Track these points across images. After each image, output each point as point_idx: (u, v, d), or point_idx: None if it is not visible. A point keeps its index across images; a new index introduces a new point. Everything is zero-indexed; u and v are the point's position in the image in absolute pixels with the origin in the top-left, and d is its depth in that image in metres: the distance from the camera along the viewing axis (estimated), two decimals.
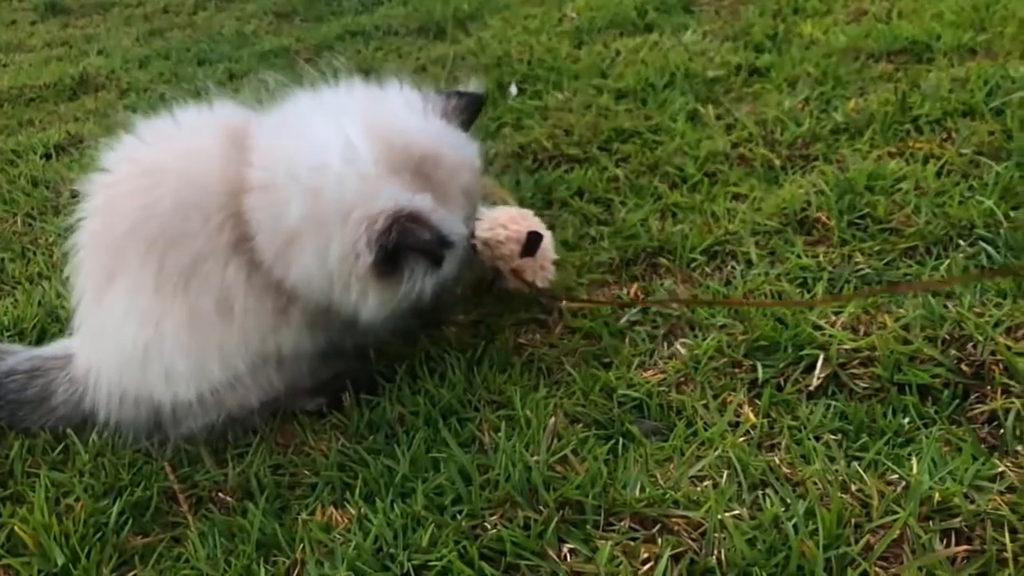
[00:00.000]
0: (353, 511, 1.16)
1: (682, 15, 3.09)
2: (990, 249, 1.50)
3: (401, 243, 1.17)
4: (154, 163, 1.31)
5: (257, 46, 3.70)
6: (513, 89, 2.59)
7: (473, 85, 1.38)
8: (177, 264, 1.26)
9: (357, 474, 1.24)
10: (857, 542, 0.99)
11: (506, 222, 1.51)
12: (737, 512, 1.05)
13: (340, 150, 1.19)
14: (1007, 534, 0.97)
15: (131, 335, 1.30)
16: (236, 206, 1.25)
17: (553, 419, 1.25)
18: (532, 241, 1.48)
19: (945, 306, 1.37)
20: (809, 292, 1.50)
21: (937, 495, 1.03)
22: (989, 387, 1.23)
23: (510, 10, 3.53)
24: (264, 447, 1.36)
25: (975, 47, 2.34)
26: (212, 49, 3.75)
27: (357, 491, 1.20)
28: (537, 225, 1.54)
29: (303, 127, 1.25)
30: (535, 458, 1.17)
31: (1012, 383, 1.22)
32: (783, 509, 1.04)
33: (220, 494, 1.30)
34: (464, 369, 1.45)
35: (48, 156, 2.67)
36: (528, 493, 1.12)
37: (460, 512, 1.11)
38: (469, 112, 1.30)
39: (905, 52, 2.39)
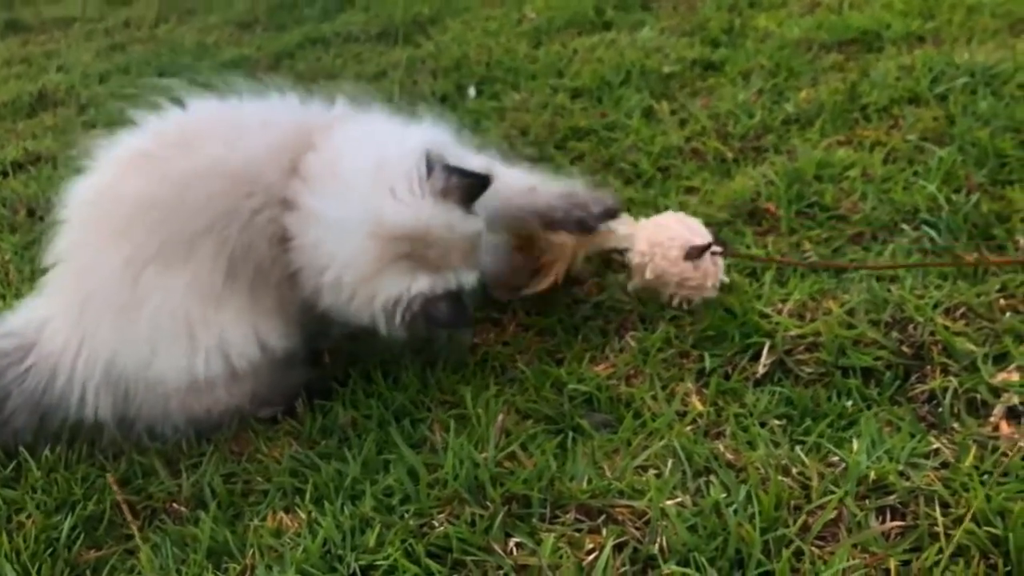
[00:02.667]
0: (303, 515, 1.17)
1: (640, 12, 3.11)
2: (932, 233, 1.53)
3: (431, 324, 1.29)
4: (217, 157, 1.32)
5: (217, 57, 3.68)
6: (471, 91, 2.60)
7: (480, 164, 1.38)
8: (246, 264, 1.31)
9: (308, 479, 1.24)
10: (795, 523, 1.00)
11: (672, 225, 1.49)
12: (680, 500, 1.07)
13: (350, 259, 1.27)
14: (938, 509, 0.99)
15: (183, 317, 1.30)
16: (279, 206, 1.30)
17: (501, 416, 1.26)
18: (701, 249, 1.44)
19: (888, 290, 1.40)
20: (758, 281, 1.51)
21: (873, 474, 1.05)
22: (929, 367, 1.25)
23: (470, 12, 3.54)
24: (218, 456, 1.36)
25: (923, 35, 2.38)
26: (172, 62, 3.73)
27: (308, 495, 1.20)
28: (703, 232, 1.49)
29: (325, 228, 1.28)
30: (483, 455, 1.18)
31: (950, 362, 1.24)
32: (724, 495, 1.05)
33: (174, 504, 1.30)
34: (418, 371, 1.45)
35: (5, 174, 2.65)
36: (475, 490, 1.13)
37: (408, 511, 1.12)
38: (468, 192, 1.29)
39: (856, 42, 2.42)
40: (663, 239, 1.45)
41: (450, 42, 3.15)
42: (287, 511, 1.20)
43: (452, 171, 1.27)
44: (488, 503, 1.10)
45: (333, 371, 1.50)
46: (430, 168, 1.27)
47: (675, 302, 1.47)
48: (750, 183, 1.79)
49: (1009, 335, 1.24)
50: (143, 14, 4.89)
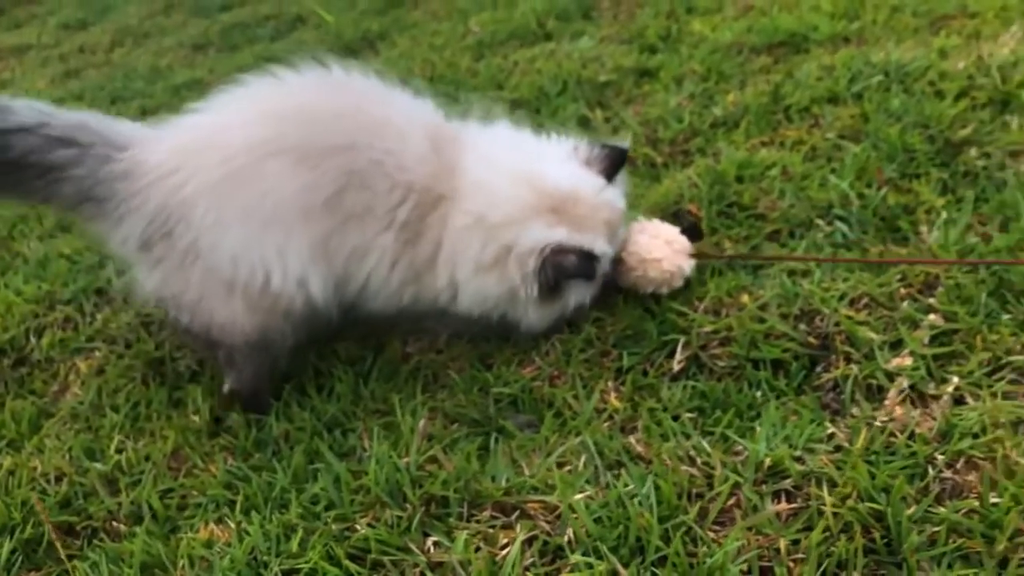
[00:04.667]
0: (233, 525, 1.21)
1: (581, 22, 3.17)
2: (844, 227, 1.59)
3: (558, 275, 1.37)
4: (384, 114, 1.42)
5: (171, 80, 3.71)
6: None
7: (622, 140, 1.59)
8: (354, 200, 1.37)
9: (240, 491, 1.28)
10: (694, 510, 1.06)
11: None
12: (589, 493, 1.12)
13: (507, 201, 1.39)
14: (826, 489, 1.04)
15: (277, 198, 1.35)
16: (426, 199, 1.40)
17: (423, 421, 1.31)
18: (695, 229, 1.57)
19: (799, 284, 1.46)
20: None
21: (770, 460, 1.10)
22: (833, 356, 1.31)
23: (418, 27, 3.60)
24: (156, 473, 1.40)
25: (848, 36, 2.45)
26: (126, 86, 3.75)
27: (239, 507, 1.24)
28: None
29: (490, 176, 1.42)
30: (405, 460, 1.23)
31: (852, 351, 1.30)
32: (630, 486, 1.10)
33: (113, 523, 1.33)
34: (351, 381, 1.49)
35: None
36: (396, 493, 1.17)
37: (332, 517, 1.16)
38: (609, 162, 1.48)
39: (784, 44, 2.49)
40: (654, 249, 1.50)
41: (397, 57, 3.20)
42: (219, 522, 1.24)
43: (594, 144, 1.48)
44: (407, 505, 1.15)
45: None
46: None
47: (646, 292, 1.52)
48: (675, 186, 1.85)
49: (905, 323, 1.30)
50: (98, 39, 4.90)
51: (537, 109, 2.43)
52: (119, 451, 1.46)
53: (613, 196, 1.47)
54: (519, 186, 1.41)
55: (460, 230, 1.40)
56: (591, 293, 1.48)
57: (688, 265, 1.50)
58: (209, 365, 1.64)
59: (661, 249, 1.49)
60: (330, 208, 1.37)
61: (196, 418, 1.50)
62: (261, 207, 1.36)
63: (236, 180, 1.36)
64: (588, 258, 1.40)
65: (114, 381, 1.65)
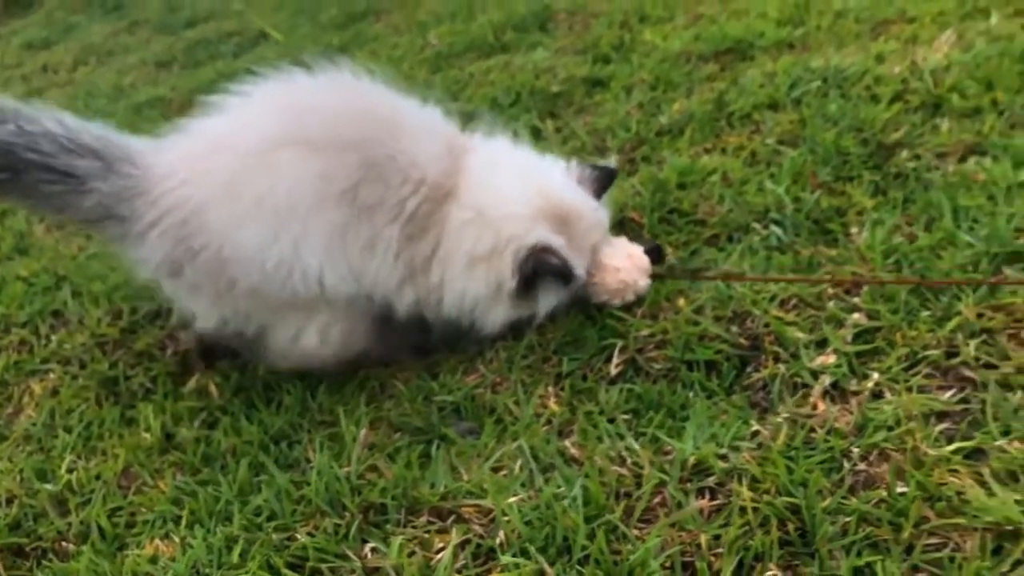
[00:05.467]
0: (178, 540, 1.23)
1: (538, 33, 3.22)
2: (778, 231, 1.64)
3: (537, 268, 1.43)
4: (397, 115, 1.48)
5: (133, 98, 3.72)
6: None
7: (610, 160, 1.69)
8: (368, 192, 1.40)
9: (186, 505, 1.30)
10: (620, 509, 1.09)
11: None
12: (521, 496, 1.15)
13: (514, 201, 1.47)
14: (747, 485, 1.08)
15: (291, 187, 1.37)
16: (434, 195, 1.44)
17: (364, 431, 1.34)
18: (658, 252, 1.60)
19: (733, 287, 1.50)
20: None
21: (694, 458, 1.14)
22: (763, 356, 1.35)
23: (378, 41, 3.63)
24: (106, 491, 1.41)
25: (792, 42, 2.51)
26: (88, 105, 3.75)
27: (184, 521, 1.26)
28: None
29: (497, 178, 1.49)
30: (346, 470, 1.26)
31: (780, 350, 1.34)
32: (560, 488, 1.14)
33: (62, 543, 1.35)
34: (299, 394, 1.52)
35: None
36: (336, 502, 1.20)
37: (273, 528, 1.19)
38: (600, 183, 1.57)
39: (731, 52, 2.55)
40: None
41: (356, 71, 3.23)
42: (164, 538, 1.26)
43: (585, 165, 1.57)
44: (346, 513, 1.18)
45: (218, 400, 1.56)
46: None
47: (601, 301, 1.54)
48: (620, 194, 1.89)
49: (830, 322, 1.35)
50: (61, 58, 4.89)
51: (489, 122, 2.47)
52: (70, 471, 1.48)
53: (604, 219, 1.54)
54: (528, 189, 1.48)
55: (460, 225, 1.45)
56: (565, 299, 1.52)
57: (644, 283, 1.53)
58: (162, 382, 1.66)
59: (622, 260, 1.52)
60: (346, 199, 1.39)
61: (147, 435, 1.52)
62: (274, 197, 1.37)
63: (248, 174, 1.38)
64: (567, 271, 1.45)
65: (68, 402, 1.67)
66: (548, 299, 1.49)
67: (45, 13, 6.13)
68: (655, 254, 1.59)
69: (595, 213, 1.52)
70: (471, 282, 1.47)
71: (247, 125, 1.44)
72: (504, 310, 1.49)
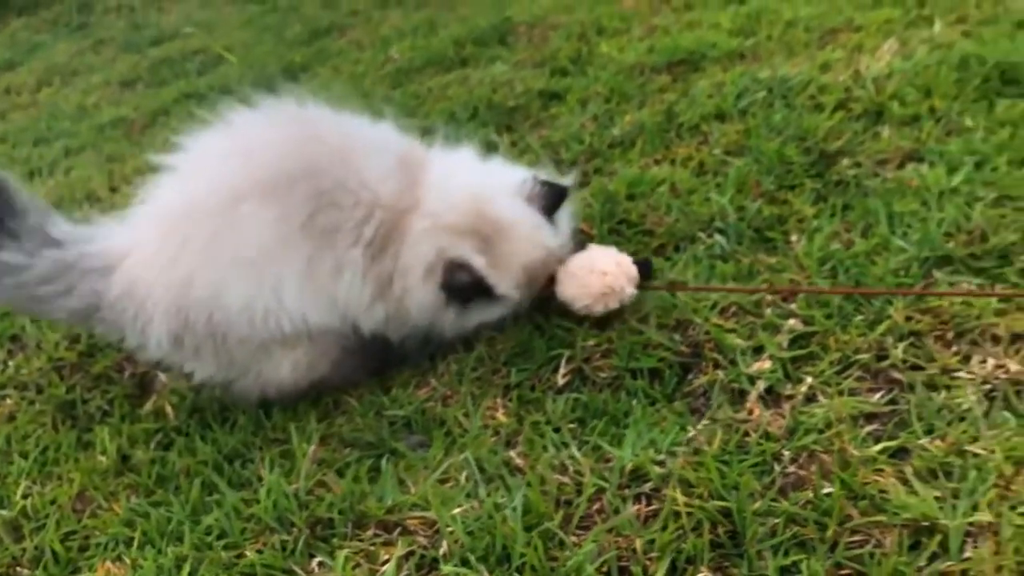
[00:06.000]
0: (129, 562, 1.24)
1: (498, 47, 3.26)
2: (722, 240, 1.68)
3: (449, 284, 1.46)
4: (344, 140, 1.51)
5: (96, 119, 3.72)
6: None
7: (566, 178, 1.65)
8: (325, 219, 1.43)
9: (138, 527, 1.31)
10: (559, 517, 1.12)
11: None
12: (465, 507, 1.18)
13: (451, 213, 1.49)
14: (681, 490, 1.12)
15: (257, 246, 1.42)
16: (389, 216, 1.47)
17: (313, 447, 1.36)
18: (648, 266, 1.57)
19: (677, 295, 1.54)
20: None
21: (632, 464, 1.17)
22: (704, 363, 1.39)
23: (341, 56, 3.66)
24: (60, 516, 1.42)
25: (744, 52, 2.56)
26: (51, 127, 3.75)
27: (136, 543, 1.28)
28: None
29: (447, 190, 1.51)
30: (294, 486, 1.28)
31: (720, 357, 1.38)
32: (502, 498, 1.16)
33: (16, 568, 1.36)
34: (253, 413, 1.54)
35: None
36: (284, 519, 1.22)
37: (223, 546, 1.20)
38: (550, 200, 1.55)
39: (684, 63, 2.59)
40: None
41: (317, 88, 3.25)
42: (116, 560, 1.27)
43: (538, 181, 1.55)
44: (294, 529, 1.20)
45: (174, 421, 1.58)
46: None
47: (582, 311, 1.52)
48: (572, 206, 1.93)
49: (767, 329, 1.39)
50: (25, 79, 4.88)
51: (447, 136, 2.50)
52: (25, 496, 1.49)
53: (545, 237, 1.53)
54: (469, 202, 1.50)
55: (418, 233, 1.48)
56: (508, 314, 1.54)
57: (631, 291, 1.50)
58: (119, 404, 1.68)
59: (610, 265, 1.51)
60: (306, 231, 1.43)
61: (103, 458, 1.53)
62: (247, 252, 1.42)
63: (218, 237, 1.43)
64: (481, 289, 1.48)
65: (24, 427, 1.67)
66: (484, 312, 1.52)
67: (9, 33, 6.10)
68: (645, 268, 1.56)
69: (534, 231, 1.52)
70: (425, 293, 1.49)
71: (201, 186, 1.47)
72: (459, 320, 1.52)
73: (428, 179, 1.53)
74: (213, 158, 1.50)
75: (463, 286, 1.47)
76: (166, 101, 3.67)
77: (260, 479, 1.35)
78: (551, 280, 1.54)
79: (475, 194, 1.52)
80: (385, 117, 1.62)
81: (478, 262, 1.47)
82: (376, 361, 1.59)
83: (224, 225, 1.43)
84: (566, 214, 1.62)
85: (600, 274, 1.50)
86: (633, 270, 1.52)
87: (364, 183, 1.46)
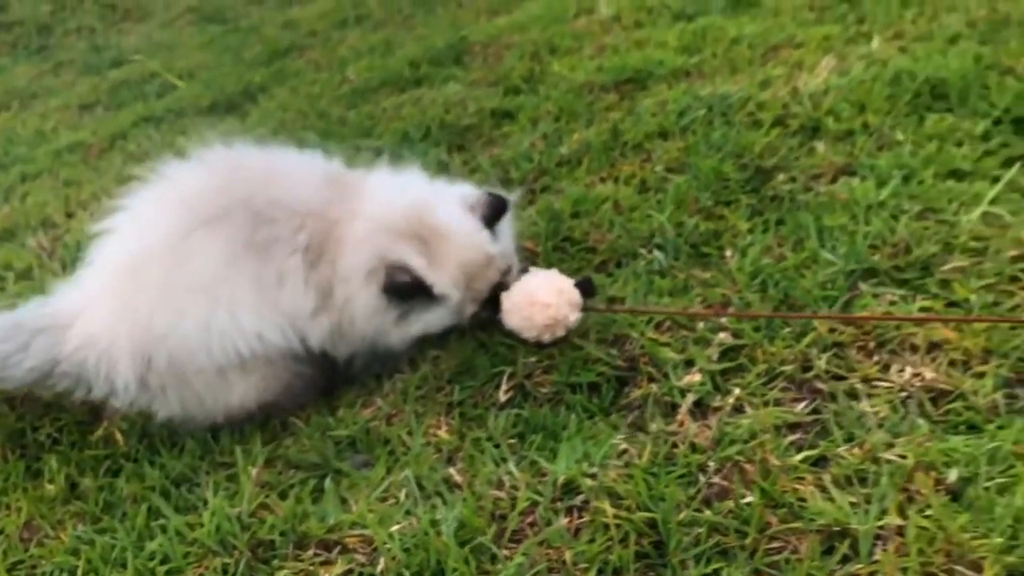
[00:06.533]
0: None
1: (453, 67, 3.30)
2: (660, 256, 1.73)
3: (389, 285, 1.49)
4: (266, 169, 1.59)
5: (54, 143, 3.71)
6: None
7: (512, 193, 1.71)
8: (264, 233, 1.50)
9: (83, 555, 1.33)
10: (492, 531, 1.15)
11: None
12: (403, 524, 1.20)
13: (389, 218, 1.53)
14: (610, 502, 1.15)
15: (207, 269, 1.48)
16: (321, 225, 1.53)
17: (256, 470, 1.38)
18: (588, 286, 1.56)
19: (615, 312, 1.58)
20: None
21: (563, 478, 1.21)
22: (639, 377, 1.43)
23: (299, 77, 3.68)
24: (7, 546, 1.43)
25: (689, 70, 2.63)
26: (7, 152, 3.73)
27: (80, 571, 1.29)
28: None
29: (385, 199, 1.57)
30: (237, 510, 1.30)
31: (654, 371, 1.42)
32: (440, 514, 1.19)
33: None
34: (202, 437, 1.56)
35: None
36: (227, 542, 1.24)
37: (165, 571, 1.22)
38: (491, 210, 1.58)
39: (631, 81, 2.65)
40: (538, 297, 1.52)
41: (274, 109, 3.28)
42: None
43: (481, 192, 1.60)
44: (236, 552, 1.22)
45: (122, 447, 1.59)
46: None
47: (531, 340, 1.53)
48: (518, 225, 1.97)
49: (699, 343, 1.44)
50: None
51: (400, 155, 2.54)
52: None
53: (483, 241, 1.55)
54: (409, 208, 1.54)
55: (358, 238, 1.52)
56: (450, 322, 1.57)
57: (575, 317, 1.51)
58: (69, 432, 1.68)
59: (551, 295, 1.51)
60: (250, 249, 1.49)
61: (51, 487, 1.54)
62: (199, 278, 1.48)
63: (172, 271, 1.48)
64: (420, 288, 1.50)
65: None
66: (427, 317, 1.54)
67: None
68: (586, 287, 1.55)
69: (472, 235, 1.54)
70: (368, 296, 1.52)
71: (146, 237, 1.53)
72: (402, 326, 1.55)
73: (367, 191, 1.59)
74: (153, 210, 1.56)
75: (403, 286, 1.50)
76: (124, 125, 3.67)
77: (205, 503, 1.36)
78: (497, 290, 1.57)
79: (416, 202, 1.56)
80: (316, 143, 1.69)
81: (417, 262, 1.50)
82: (325, 381, 1.61)
83: (175, 261, 1.49)
84: (508, 225, 1.65)
85: (543, 306, 1.51)
86: (575, 296, 1.53)
87: (293, 197, 1.54)
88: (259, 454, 1.45)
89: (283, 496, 1.34)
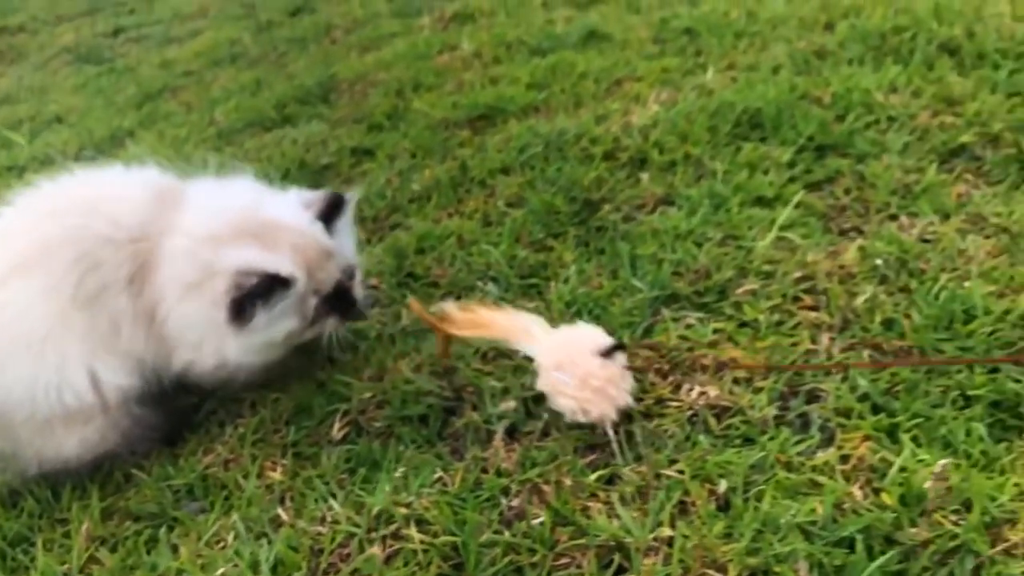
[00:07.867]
0: None
1: (320, 105, 3.36)
2: (494, 288, 1.83)
3: (241, 295, 1.44)
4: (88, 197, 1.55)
5: None
6: None
7: (350, 192, 1.72)
8: (92, 281, 1.47)
9: None
10: (308, 568, 1.22)
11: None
12: (225, 568, 1.26)
13: (209, 220, 1.52)
14: (417, 528, 1.24)
15: (29, 321, 1.46)
16: (144, 247, 1.50)
17: (86, 525, 1.42)
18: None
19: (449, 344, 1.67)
20: (353, 354, 1.75)
21: (377, 508, 1.29)
22: (464, 407, 1.53)
23: (168, 120, 3.67)
24: None
25: (537, 106, 2.76)
26: None
27: None
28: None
29: (207, 206, 1.56)
30: (65, 567, 1.33)
31: (477, 399, 1.52)
32: (261, 557, 1.26)
33: None
34: (43, 494, 1.57)
35: None
36: None
37: None
38: (326, 205, 1.60)
39: (484, 118, 2.76)
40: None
41: (141, 153, 3.26)
42: None
43: (316, 191, 1.61)
44: None
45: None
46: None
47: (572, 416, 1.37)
48: (367, 261, 2.05)
49: (516, 371, 1.54)
50: None
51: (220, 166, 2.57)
52: None
53: (317, 232, 1.56)
54: (229, 211, 1.54)
55: (174, 252, 1.49)
56: (297, 324, 1.54)
57: (625, 392, 1.35)
58: None
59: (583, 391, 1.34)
60: (77, 303, 1.47)
61: None
62: (19, 330, 1.46)
63: None
64: (271, 280, 1.46)
65: None
66: (281, 322, 1.52)
67: None
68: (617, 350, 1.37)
69: (304, 227, 1.55)
70: (192, 311, 1.49)
71: None
72: (236, 340, 1.50)
73: (188, 201, 1.57)
74: None
75: (255, 288, 1.44)
76: None
77: (34, 561, 1.38)
78: (344, 293, 1.58)
79: (243, 205, 1.56)
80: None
81: (251, 254, 1.46)
82: (169, 426, 1.64)
83: None
84: (348, 225, 1.67)
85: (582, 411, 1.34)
86: (609, 373, 1.34)
87: (118, 227, 1.51)
88: (95, 508, 1.48)
89: (113, 549, 1.37)
